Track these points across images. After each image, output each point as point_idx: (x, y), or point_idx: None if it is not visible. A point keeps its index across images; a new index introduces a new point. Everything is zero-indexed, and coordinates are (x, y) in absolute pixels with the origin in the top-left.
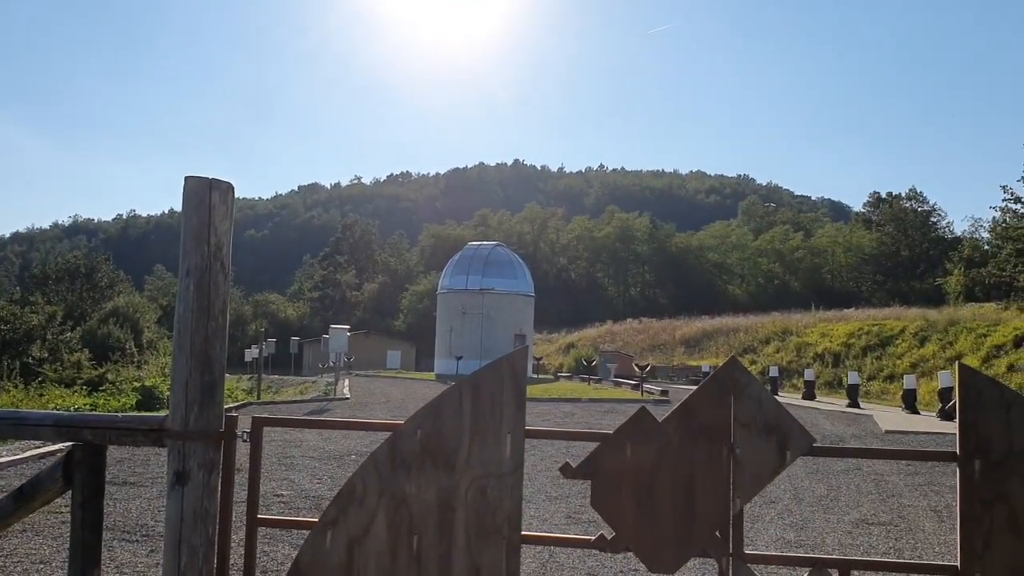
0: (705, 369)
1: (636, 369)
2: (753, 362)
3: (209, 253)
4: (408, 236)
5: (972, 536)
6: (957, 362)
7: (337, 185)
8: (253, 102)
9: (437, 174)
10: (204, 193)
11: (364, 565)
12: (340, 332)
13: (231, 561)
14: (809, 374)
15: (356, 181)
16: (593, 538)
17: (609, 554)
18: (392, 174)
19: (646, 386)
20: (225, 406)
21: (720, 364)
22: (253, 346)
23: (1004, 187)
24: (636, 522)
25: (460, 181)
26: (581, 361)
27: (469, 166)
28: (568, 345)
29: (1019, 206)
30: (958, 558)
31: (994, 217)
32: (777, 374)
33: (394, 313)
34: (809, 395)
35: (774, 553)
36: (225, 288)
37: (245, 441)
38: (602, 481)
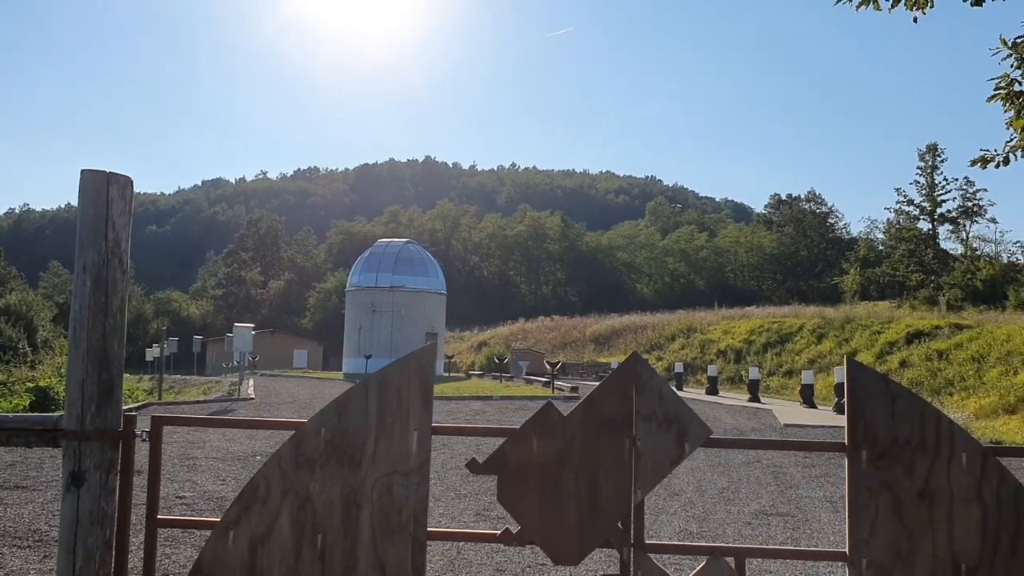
0: (614, 366)
1: (547, 366)
2: (659, 359)
3: (107, 248)
4: (316, 233)
5: (859, 523)
6: (846, 357)
7: (242, 180)
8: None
9: (346, 170)
10: (102, 187)
11: (267, 564)
12: (244, 331)
13: (131, 564)
14: (712, 370)
15: (262, 176)
16: (499, 533)
17: (517, 549)
18: (299, 169)
19: (557, 383)
20: (124, 406)
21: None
22: (154, 345)
23: (898, 190)
24: (541, 515)
25: (370, 177)
26: (493, 359)
27: (379, 162)
28: (480, 343)
29: (912, 208)
30: (847, 545)
31: (888, 219)
32: (682, 370)
33: (301, 311)
34: (712, 390)
35: (674, 543)
36: (123, 284)
37: (144, 441)
38: (508, 476)
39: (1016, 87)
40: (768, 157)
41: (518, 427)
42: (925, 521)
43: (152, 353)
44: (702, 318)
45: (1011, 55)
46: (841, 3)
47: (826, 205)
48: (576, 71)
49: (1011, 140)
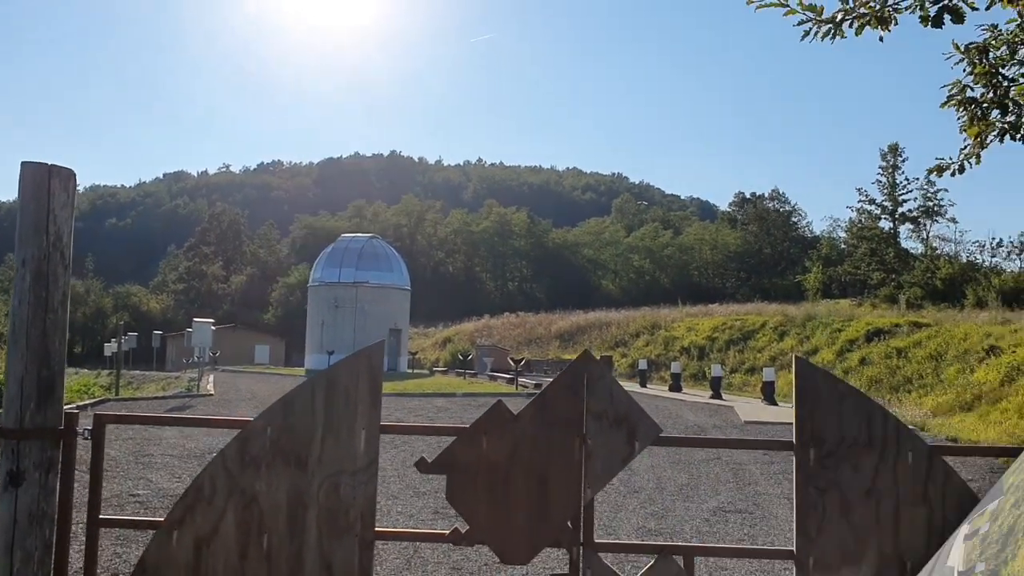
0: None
1: (511, 363)
2: (624, 355)
3: (48, 243)
4: (279, 227)
5: (807, 521)
6: (795, 356)
7: (205, 173)
8: (115, 85)
9: (310, 163)
10: (43, 179)
11: (212, 564)
12: (204, 326)
13: (78, 565)
14: (676, 367)
15: (225, 169)
16: (447, 532)
17: (474, 547)
18: (263, 163)
19: (521, 380)
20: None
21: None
22: (113, 340)
23: (859, 189)
24: (490, 515)
25: (334, 171)
26: (457, 356)
27: (344, 156)
28: (445, 339)
29: (873, 208)
30: (794, 542)
31: (850, 218)
32: (646, 367)
33: (263, 306)
34: (676, 387)
35: (623, 541)
36: (65, 279)
37: (87, 439)
38: (457, 475)
39: (969, 93)
40: (733, 156)
41: (468, 426)
42: (872, 520)
43: (111, 348)
44: (666, 315)
45: (963, 60)
46: (809, 37)
47: (789, 204)
48: (544, 67)
49: (965, 146)
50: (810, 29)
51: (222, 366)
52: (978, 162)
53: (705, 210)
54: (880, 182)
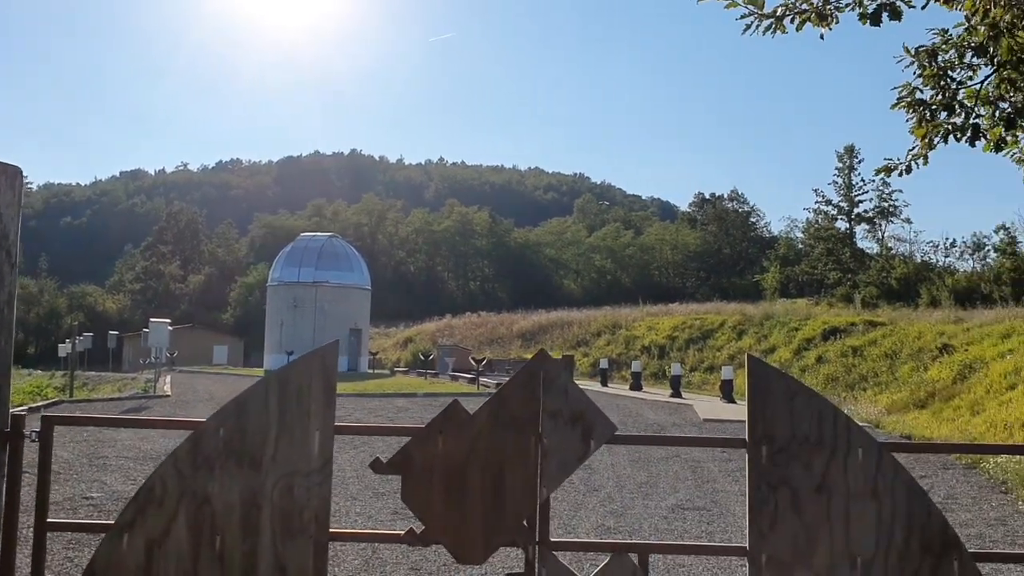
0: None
1: (473, 363)
2: (585, 355)
3: None
4: (238, 226)
5: (759, 518)
6: (747, 355)
7: (162, 171)
8: (69, 82)
9: (269, 162)
10: None
11: (164, 568)
12: (161, 326)
13: (22, 571)
14: (636, 366)
15: (182, 167)
16: (403, 533)
17: (434, 547)
18: (221, 161)
19: (482, 379)
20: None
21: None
22: (67, 341)
23: (816, 190)
24: (445, 515)
25: (294, 170)
26: (419, 355)
27: (304, 155)
28: (406, 339)
29: (830, 208)
30: (747, 539)
31: (807, 218)
32: (607, 366)
33: (222, 306)
34: (636, 386)
35: (579, 540)
36: (12, 279)
37: (34, 441)
38: (412, 475)
39: (918, 95)
40: (693, 156)
41: (423, 426)
42: (823, 516)
43: (65, 349)
44: (627, 314)
45: (913, 63)
46: (750, 31)
47: (748, 204)
48: (506, 67)
49: (913, 147)
50: (752, 23)
51: (180, 367)
52: (925, 163)
53: (665, 210)
54: (836, 183)
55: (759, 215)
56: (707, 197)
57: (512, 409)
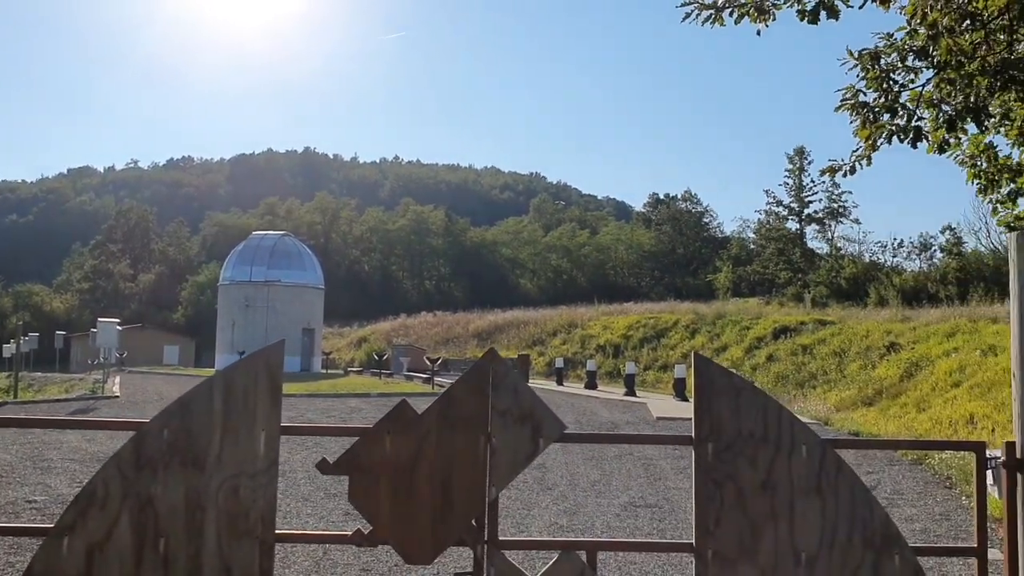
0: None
1: (428, 363)
2: (541, 354)
3: None
4: (189, 224)
5: (706, 514)
6: (693, 352)
7: (111, 169)
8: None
9: (222, 160)
10: None
11: (105, 571)
12: (110, 326)
13: None
14: (591, 365)
15: (132, 165)
16: (350, 533)
17: (385, 548)
18: (172, 158)
19: (437, 379)
20: None
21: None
22: (12, 341)
23: (767, 191)
24: (393, 515)
25: (247, 168)
26: (373, 355)
27: (257, 152)
28: (360, 339)
29: (781, 209)
30: (694, 535)
31: (759, 219)
32: (562, 365)
33: (173, 306)
34: (591, 385)
35: (527, 539)
36: None
37: None
38: (359, 475)
39: (861, 97)
40: (648, 157)
41: (371, 426)
42: (767, 512)
43: (9, 349)
44: (583, 314)
45: (857, 66)
46: (689, 20)
47: (701, 205)
48: (462, 65)
49: (857, 149)
50: (691, 12)
51: (129, 367)
52: (869, 163)
53: (621, 210)
54: (787, 184)
55: (712, 215)
56: (661, 198)
57: (461, 409)
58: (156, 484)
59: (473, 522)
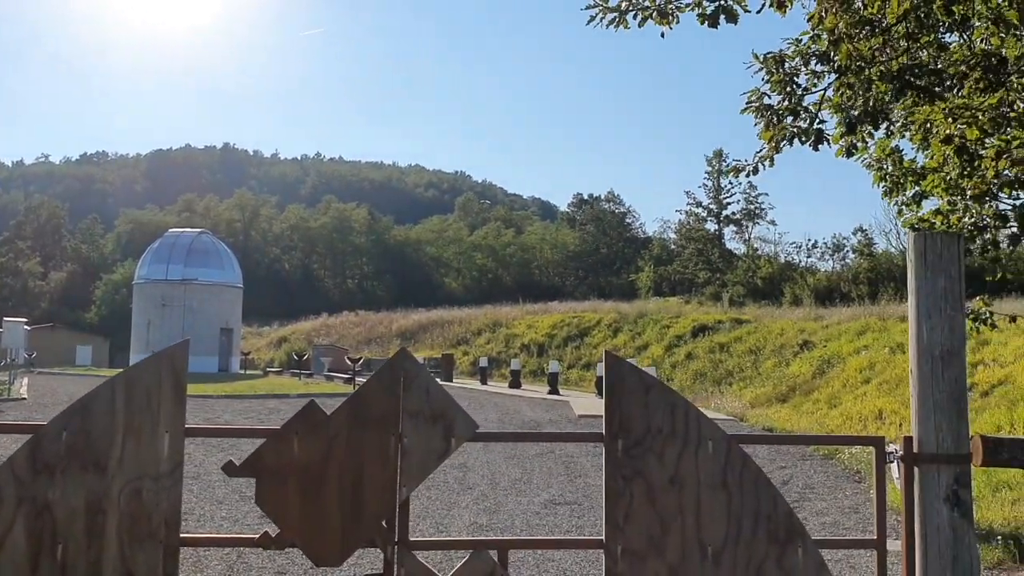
0: (420, 361)
1: (349, 363)
2: (466, 353)
3: None
4: (103, 221)
5: (615, 510)
6: (604, 350)
7: (20, 163)
8: None
9: (138, 155)
10: None
11: None
12: (16, 325)
13: None
14: (515, 364)
15: (43, 159)
16: (257, 536)
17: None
18: (86, 153)
19: (359, 379)
20: None
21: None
22: None
23: (687, 192)
24: (302, 517)
25: (164, 163)
26: (293, 355)
27: (174, 148)
28: (280, 339)
29: (700, 210)
30: (603, 532)
31: (679, 220)
32: (487, 364)
33: (86, 305)
34: (515, 384)
35: (438, 539)
36: None
37: None
38: (267, 477)
39: (766, 100)
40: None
41: (278, 427)
42: (675, 507)
43: None
44: (507, 313)
45: (762, 69)
46: (595, 23)
47: (624, 205)
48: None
49: (761, 150)
50: (596, 15)
51: (39, 368)
52: (771, 164)
53: (546, 210)
54: (706, 186)
55: (634, 216)
56: (585, 198)
57: (371, 409)
58: (54, 488)
59: (384, 523)
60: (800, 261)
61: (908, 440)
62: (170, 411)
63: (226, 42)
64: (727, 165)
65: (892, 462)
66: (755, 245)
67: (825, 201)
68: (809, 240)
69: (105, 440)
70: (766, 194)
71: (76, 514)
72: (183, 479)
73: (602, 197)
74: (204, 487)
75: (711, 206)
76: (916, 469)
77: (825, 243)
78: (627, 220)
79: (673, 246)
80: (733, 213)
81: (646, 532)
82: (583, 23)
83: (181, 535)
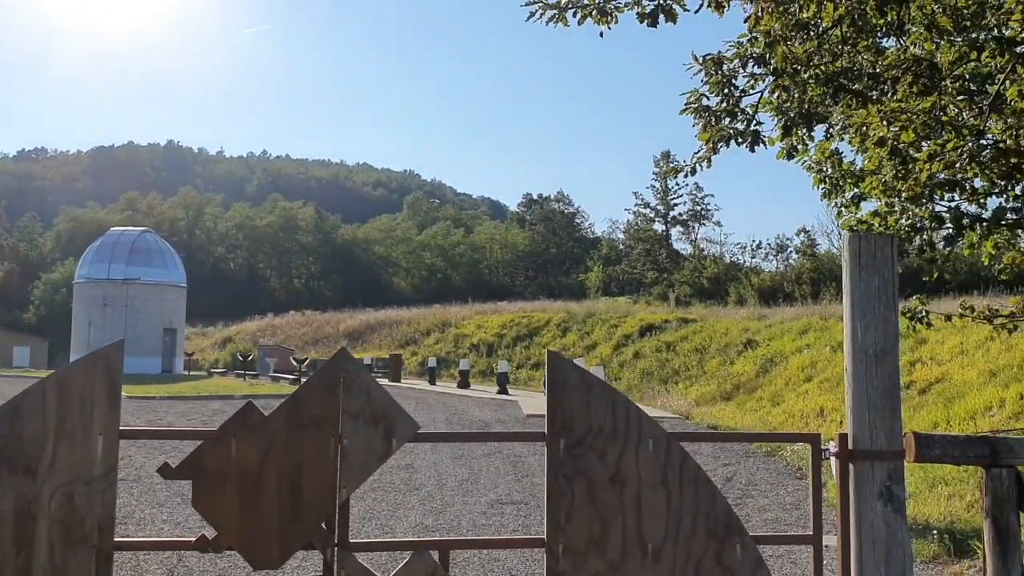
0: (367, 362)
1: (295, 363)
2: (415, 353)
3: None
4: (42, 219)
5: (557, 509)
6: (547, 350)
7: None
8: None
9: (79, 152)
10: None
11: None
12: None
13: None
14: (464, 363)
15: None
16: (194, 540)
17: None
18: (24, 149)
19: (304, 380)
20: None
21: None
22: None
23: (636, 194)
24: (239, 520)
25: (105, 161)
26: (238, 356)
27: (117, 145)
28: (225, 339)
29: (648, 211)
30: (545, 531)
31: (628, 220)
32: (435, 364)
33: (24, 305)
34: (464, 384)
35: (379, 539)
36: None
37: None
38: (203, 480)
39: (704, 101)
40: (521, 157)
41: (215, 429)
42: (616, 505)
43: None
44: (457, 312)
45: (701, 71)
46: (534, 19)
47: (573, 205)
48: (331, 60)
49: (699, 151)
50: (536, 12)
51: None
52: (709, 165)
53: (496, 210)
54: (654, 187)
55: (584, 216)
56: (535, 198)
57: (311, 410)
58: None
59: (324, 525)
60: (745, 261)
61: (843, 437)
62: (104, 413)
63: (170, 38)
64: (674, 166)
65: (828, 459)
66: (701, 246)
67: (770, 202)
68: (754, 241)
69: (36, 443)
70: (712, 195)
71: (5, 519)
72: (121, 482)
73: (552, 197)
74: (145, 490)
75: (659, 207)
76: (851, 465)
77: (769, 244)
78: (576, 220)
79: (622, 246)
80: (680, 214)
81: (587, 530)
82: (528, 26)
83: (116, 539)
